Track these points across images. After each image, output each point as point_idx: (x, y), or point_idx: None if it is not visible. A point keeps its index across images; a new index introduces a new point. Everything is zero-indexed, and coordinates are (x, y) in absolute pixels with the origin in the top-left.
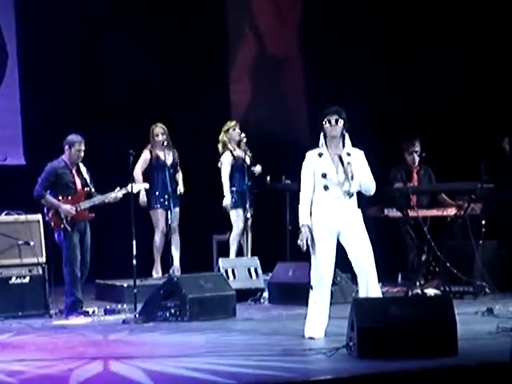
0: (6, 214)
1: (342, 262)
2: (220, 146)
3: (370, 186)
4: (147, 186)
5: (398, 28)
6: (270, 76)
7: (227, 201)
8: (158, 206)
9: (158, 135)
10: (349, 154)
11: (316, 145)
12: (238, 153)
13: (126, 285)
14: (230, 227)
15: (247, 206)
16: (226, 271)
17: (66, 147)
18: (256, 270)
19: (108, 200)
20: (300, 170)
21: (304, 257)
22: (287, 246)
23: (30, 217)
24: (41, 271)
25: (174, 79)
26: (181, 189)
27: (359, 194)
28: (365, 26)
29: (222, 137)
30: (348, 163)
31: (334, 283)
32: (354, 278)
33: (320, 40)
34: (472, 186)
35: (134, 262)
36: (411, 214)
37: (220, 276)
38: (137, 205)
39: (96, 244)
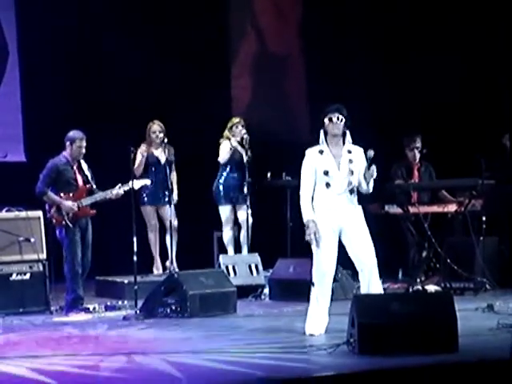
0: (6, 211)
1: (343, 258)
2: (222, 141)
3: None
4: (148, 182)
5: (397, 28)
6: (271, 74)
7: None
8: (149, 202)
9: (155, 132)
10: (349, 152)
11: (316, 142)
12: (238, 148)
13: (126, 281)
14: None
15: (247, 203)
16: (227, 267)
17: (68, 144)
18: (257, 267)
19: (109, 196)
20: (300, 167)
21: (305, 253)
22: (288, 242)
23: (31, 213)
24: (41, 268)
25: (174, 79)
26: (175, 197)
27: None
28: (365, 26)
29: (226, 133)
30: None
31: (334, 280)
32: (354, 275)
33: (320, 39)
34: (472, 183)
35: (135, 258)
36: (412, 210)
37: (221, 272)
38: (137, 201)
39: (96, 240)
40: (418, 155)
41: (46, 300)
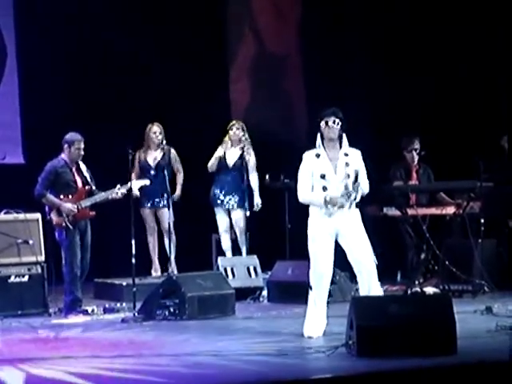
0: (5, 213)
1: (341, 260)
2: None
3: (364, 186)
4: (148, 182)
5: (397, 28)
6: (270, 75)
7: None
8: (147, 205)
9: (155, 133)
10: (346, 155)
11: (313, 145)
12: (230, 153)
13: (125, 283)
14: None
15: (245, 204)
16: (225, 270)
17: (66, 146)
18: (255, 269)
19: (110, 197)
20: (298, 170)
21: (303, 255)
22: (286, 244)
23: (29, 215)
24: (40, 270)
25: (173, 79)
26: (177, 192)
27: None
28: (364, 26)
29: (226, 137)
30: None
31: (332, 282)
32: (352, 277)
33: (319, 39)
34: (471, 185)
35: (133, 260)
36: (410, 212)
37: (219, 275)
38: (136, 203)
39: (95, 243)
40: (416, 157)
41: (44, 302)
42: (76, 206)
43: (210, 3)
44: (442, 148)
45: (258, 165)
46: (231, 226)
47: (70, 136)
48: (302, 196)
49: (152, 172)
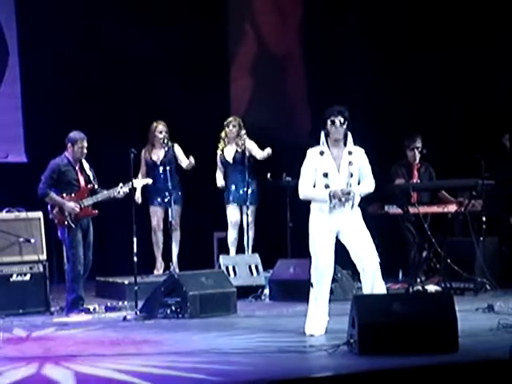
0: (6, 212)
1: (342, 258)
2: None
3: (369, 184)
4: (150, 181)
5: (397, 28)
6: (271, 74)
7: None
8: (154, 203)
9: (161, 132)
10: (350, 153)
11: (317, 143)
12: (227, 150)
13: (126, 282)
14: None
15: (247, 203)
16: (227, 268)
17: (69, 145)
18: (257, 267)
19: (112, 196)
20: (300, 168)
21: (305, 254)
22: (288, 242)
23: (31, 214)
24: (41, 268)
25: (174, 78)
26: (191, 160)
27: None
28: (365, 26)
29: (222, 134)
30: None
31: (334, 280)
32: (354, 275)
33: (320, 38)
34: (473, 183)
35: (135, 259)
36: (412, 210)
37: (221, 273)
38: (141, 202)
39: (97, 241)
40: (418, 155)
41: (46, 301)
42: (79, 205)
43: (211, 1)
44: (443, 146)
45: (259, 163)
46: (241, 222)
47: (73, 134)
48: (304, 191)
49: (160, 169)
